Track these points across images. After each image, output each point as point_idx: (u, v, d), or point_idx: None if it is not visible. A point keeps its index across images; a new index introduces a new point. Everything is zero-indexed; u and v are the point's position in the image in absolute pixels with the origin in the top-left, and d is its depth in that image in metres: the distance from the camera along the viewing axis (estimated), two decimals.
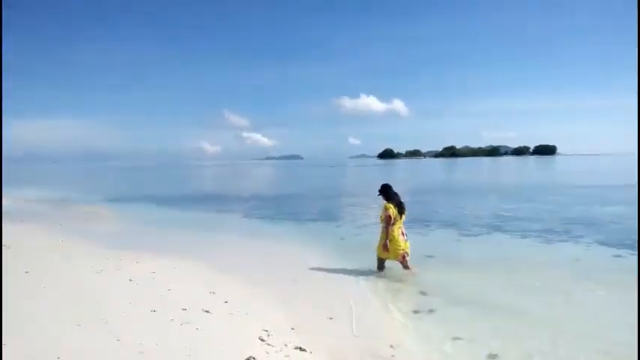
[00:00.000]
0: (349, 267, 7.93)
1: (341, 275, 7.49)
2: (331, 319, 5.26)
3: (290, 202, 20.78)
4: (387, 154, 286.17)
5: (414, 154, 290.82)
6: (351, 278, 7.31)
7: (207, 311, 5.17)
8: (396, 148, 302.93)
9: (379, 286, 6.84)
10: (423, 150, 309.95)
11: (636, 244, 9.18)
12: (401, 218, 7.47)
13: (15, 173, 78.61)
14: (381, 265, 7.65)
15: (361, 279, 7.26)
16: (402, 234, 7.50)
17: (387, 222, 7.31)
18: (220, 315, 5.13)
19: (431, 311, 5.65)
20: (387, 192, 7.59)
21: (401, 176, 51.03)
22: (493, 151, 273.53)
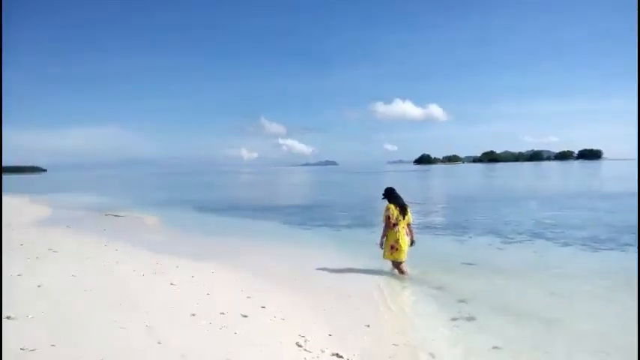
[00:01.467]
0: (385, 274, 7.88)
1: (377, 282, 7.44)
2: (368, 326, 5.23)
3: (324, 209, 20.80)
4: (424, 160, 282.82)
5: (452, 159, 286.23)
6: (387, 285, 7.25)
7: (245, 316, 5.24)
8: (433, 154, 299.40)
9: (417, 293, 6.77)
10: (461, 155, 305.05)
11: None
12: (404, 219, 7.88)
13: (60, 180, 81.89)
14: (397, 266, 7.86)
15: (398, 286, 7.21)
16: (407, 234, 7.91)
17: (386, 222, 7.83)
18: (258, 320, 5.18)
19: (470, 319, 5.54)
20: (389, 195, 8.06)
21: (438, 182, 50.33)
22: (535, 156, 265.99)
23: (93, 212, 20.30)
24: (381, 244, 7.92)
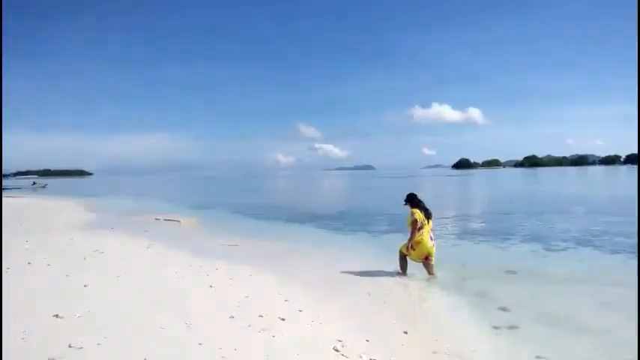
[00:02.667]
0: (424, 280, 7.77)
1: (416, 288, 7.36)
2: (406, 332, 5.16)
3: (361, 213, 20.70)
4: (463, 164, 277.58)
5: (492, 163, 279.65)
6: (426, 291, 7.16)
7: (283, 319, 5.27)
8: (473, 158, 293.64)
9: (457, 300, 6.63)
10: (502, 160, 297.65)
11: None
12: (428, 223, 8.09)
13: (105, 184, 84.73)
14: (402, 261, 8.19)
15: (437, 292, 7.09)
16: (431, 238, 8.08)
17: (414, 226, 7.97)
18: (295, 323, 5.20)
19: (512, 328, 5.39)
20: (412, 200, 8.28)
21: (477, 186, 49.33)
22: (579, 161, 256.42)
23: (135, 215, 20.91)
24: (411, 247, 8.03)
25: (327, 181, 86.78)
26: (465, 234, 13.46)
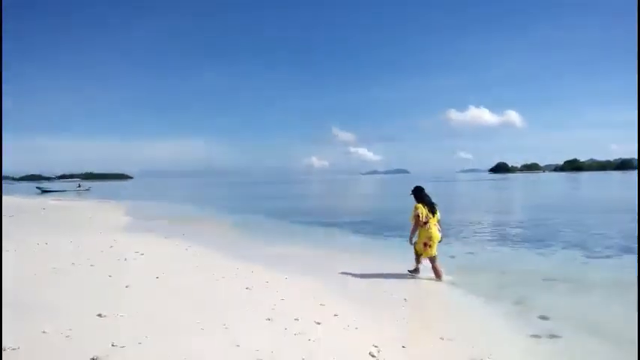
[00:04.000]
0: (461, 287, 7.63)
1: (453, 295, 7.24)
2: (442, 339, 5.08)
3: (396, 218, 20.47)
4: (501, 168, 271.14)
5: (531, 167, 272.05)
6: (463, 298, 7.03)
7: (319, 323, 5.28)
8: (511, 162, 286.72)
9: (494, 307, 6.48)
10: (542, 163, 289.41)
11: None
12: (433, 217, 8.21)
13: (145, 187, 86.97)
14: (417, 261, 8.30)
15: (474, 298, 6.95)
16: (439, 230, 8.23)
17: (416, 220, 8.10)
18: (331, 327, 5.20)
19: (553, 337, 5.23)
20: (418, 193, 8.43)
21: (516, 191, 48.11)
22: (623, 165, 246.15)
23: (174, 218, 21.41)
24: (412, 242, 8.25)
25: (361, 185, 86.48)
26: (503, 240, 13.15)
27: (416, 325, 5.66)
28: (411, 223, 8.23)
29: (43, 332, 4.43)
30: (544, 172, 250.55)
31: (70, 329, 4.55)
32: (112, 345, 4.17)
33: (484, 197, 39.82)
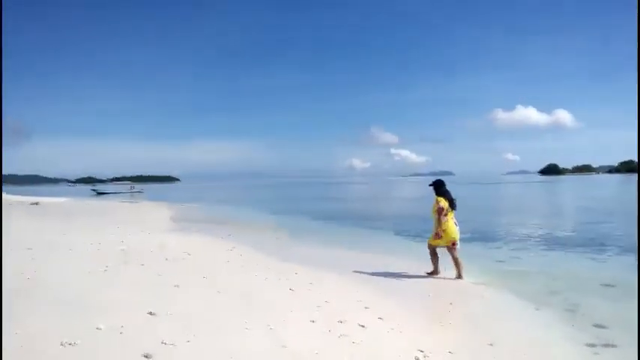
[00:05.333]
0: (510, 292, 7.41)
1: (501, 300, 7.04)
2: (491, 345, 4.95)
3: None
4: (551, 170, 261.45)
5: (583, 169, 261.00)
6: (512, 303, 6.83)
7: (363, 326, 5.26)
8: (561, 163, 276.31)
9: (546, 314, 6.26)
10: (594, 165, 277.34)
11: None
12: (452, 212, 8.31)
13: (192, 189, 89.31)
14: (434, 257, 8.43)
15: (523, 304, 6.73)
16: (455, 224, 8.34)
17: (439, 213, 8.19)
18: (375, 331, 5.17)
19: (609, 346, 4.99)
20: (439, 187, 8.50)
21: (568, 193, 46.31)
22: None
23: (220, 219, 21.88)
24: (438, 236, 8.28)
25: (405, 187, 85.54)
26: (554, 244, 12.68)
27: (463, 330, 5.53)
28: (433, 217, 8.36)
29: (98, 329, 4.61)
30: (597, 174, 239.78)
31: (123, 326, 4.71)
32: (162, 342, 4.29)
33: (533, 200, 38.54)
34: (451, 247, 8.26)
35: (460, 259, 8.26)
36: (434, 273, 8.47)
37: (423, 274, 8.67)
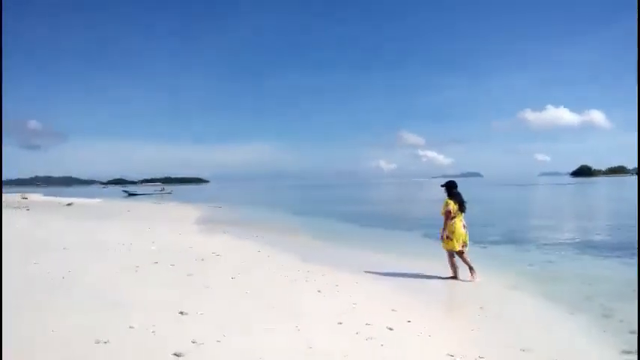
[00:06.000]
0: (542, 296, 7.24)
1: (533, 304, 6.88)
2: (524, 350, 4.85)
3: (470, 224, 19.83)
4: (583, 172, 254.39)
5: (617, 171, 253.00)
6: (544, 308, 6.66)
7: (391, 329, 5.23)
8: (594, 165, 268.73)
9: (580, 319, 6.09)
10: (629, 166, 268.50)
11: None
12: (461, 214, 8.36)
13: (221, 190, 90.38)
14: (451, 259, 8.38)
15: (556, 309, 6.57)
16: (464, 226, 8.37)
17: (447, 216, 8.27)
18: (404, 334, 5.13)
19: None
20: (450, 189, 8.52)
21: (602, 195, 45.00)
22: None
23: (248, 220, 22.09)
24: (448, 238, 8.29)
25: (433, 189, 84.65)
26: (588, 247, 12.34)
27: (493, 334, 5.43)
28: (443, 217, 8.43)
29: (130, 327, 4.72)
30: (632, 175, 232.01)
31: (154, 325, 4.81)
32: (193, 342, 4.36)
33: (564, 202, 37.62)
34: (462, 251, 8.33)
35: (475, 277, 8.23)
36: (454, 278, 8.40)
37: (452, 277, 8.56)
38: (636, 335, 5.40)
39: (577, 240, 13.98)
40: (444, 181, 8.96)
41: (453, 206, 8.32)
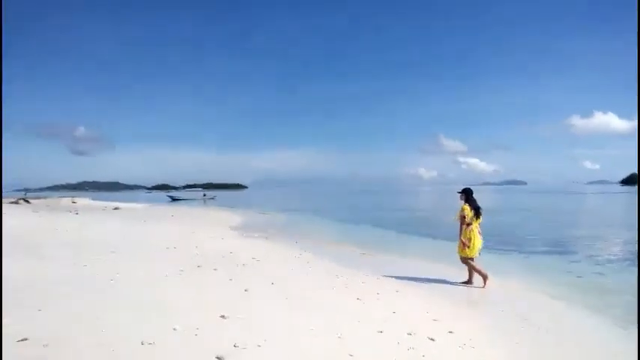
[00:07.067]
0: (591, 309, 6.96)
1: (581, 317, 6.63)
2: None
3: (512, 232, 19.25)
4: (634, 180, 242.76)
5: None
6: (594, 321, 6.41)
7: (432, 339, 5.14)
8: None
9: (633, 332, 5.82)
10: None
11: None
12: (477, 220, 8.45)
13: (261, 196, 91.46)
14: (473, 265, 8.48)
15: (607, 323, 6.30)
16: (479, 233, 8.47)
17: (462, 222, 8.43)
18: (446, 345, 5.03)
19: None
20: (467, 195, 8.60)
21: None
22: None
23: (287, 225, 22.26)
24: (464, 245, 8.45)
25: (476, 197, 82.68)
26: (632, 260, 11.77)
27: (540, 348, 5.25)
28: (457, 222, 8.60)
29: (174, 329, 4.83)
30: None
31: (197, 328, 4.91)
32: (234, 346, 4.42)
33: (614, 211, 36.03)
34: (467, 260, 8.57)
35: (477, 274, 8.53)
36: (469, 282, 8.65)
37: (491, 286, 8.37)
38: None
39: (628, 252, 13.35)
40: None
41: (468, 212, 8.41)
